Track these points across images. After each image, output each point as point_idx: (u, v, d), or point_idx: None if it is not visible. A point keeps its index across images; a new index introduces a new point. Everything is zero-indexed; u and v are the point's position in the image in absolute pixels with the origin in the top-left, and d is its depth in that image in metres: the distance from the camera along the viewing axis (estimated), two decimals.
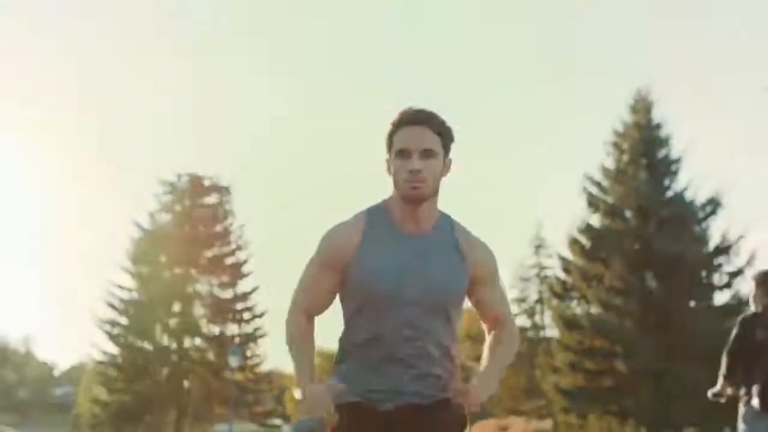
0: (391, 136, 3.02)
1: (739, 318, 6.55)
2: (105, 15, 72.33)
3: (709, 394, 6.53)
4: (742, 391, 6.27)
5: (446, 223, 3.06)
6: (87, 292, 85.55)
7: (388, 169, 3.03)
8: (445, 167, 3.04)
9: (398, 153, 2.97)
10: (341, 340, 3.09)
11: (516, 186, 67.37)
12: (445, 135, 3.01)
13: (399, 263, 2.97)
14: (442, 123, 3.02)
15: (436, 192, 3.01)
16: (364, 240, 3.00)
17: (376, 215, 3.05)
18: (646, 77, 51.15)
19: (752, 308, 6.51)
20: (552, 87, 65.49)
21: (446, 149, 3.02)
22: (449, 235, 3.03)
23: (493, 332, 3.18)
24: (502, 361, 3.11)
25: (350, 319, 3.04)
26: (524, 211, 66.20)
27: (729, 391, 6.36)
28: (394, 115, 3.05)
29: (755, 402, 6.18)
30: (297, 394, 2.98)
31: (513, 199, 67.08)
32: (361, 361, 3.02)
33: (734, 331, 6.44)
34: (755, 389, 6.19)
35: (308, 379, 3.00)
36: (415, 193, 2.94)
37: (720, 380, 6.39)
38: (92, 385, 40.63)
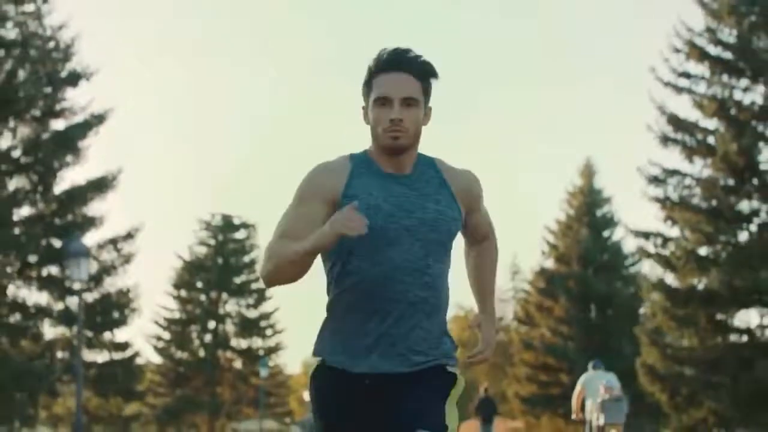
0: (368, 82, 2.97)
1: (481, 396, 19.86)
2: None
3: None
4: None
5: (427, 161, 3.05)
6: None
7: (365, 117, 2.99)
8: (426, 116, 2.99)
9: (377, 101, 2.92)
10: (328, 295, 3.02)
11: (498, 215, 77.89)
12: (426, 80, 2.98)
13: (391, 199, 2.93)
14: (425, 68, 2.98)
15: (416, 142, 2.97)
16: (351, 177, 2.96)
17: (359, 159, 3.01)
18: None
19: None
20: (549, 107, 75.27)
21: (427, 96, 2.98)
22: (433, 172, 3.02)
23: (476, 247, 3.24)
24: (493, 286, 3.27)
25: (338, 266, 2.97)
26: (504, 238, 76.21)
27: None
28: (371, 59, 2.98)
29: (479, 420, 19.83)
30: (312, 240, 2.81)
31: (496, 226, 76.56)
32: (348, 311, 2.95)
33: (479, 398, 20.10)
34: (481, 416, 19.93)
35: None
36: (396, 143, 2.91)
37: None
38: None
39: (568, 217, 41.03)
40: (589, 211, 40.29)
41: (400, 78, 2.92)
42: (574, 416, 14.98)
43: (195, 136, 79.57)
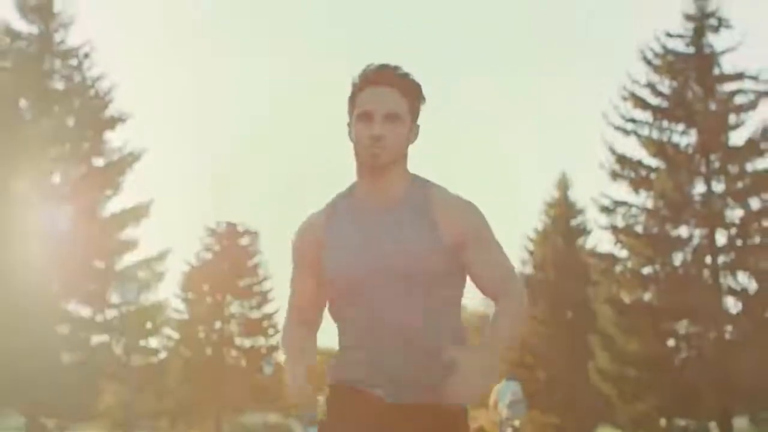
0: (353, 97, 2.94)
1: None
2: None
3: None
4: None
5: (419, 188, 2.98)
6: None
7: (350, 134, 2.95)
8: (412, 134, 2.95)
9: (360, 116, 2.90)
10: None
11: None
12: (413, 98, 2.93)
13: (358, 245, 2.93)
14: (410, 84, 2.94)
15: (399, 160, 2.93)
16: (327, 228, 2.99)
17: (342, 197, 3.02)
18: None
19: None
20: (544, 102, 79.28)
21: (414, 114, 2.94)
22: (420, 202, 2.94)
23: (495, 304, 2.98)
24: (495, 345, 2.91)
25: (334, 312, 3.08)
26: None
27: None
28: (355, 74, 2.94)
29: None
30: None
31: None
32: (343, 354, 3.02)
33: None
34: None
35: (295, 364, 2.96)
36: (374, 161, 2.88)
37: None
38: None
39: (546, 226, 46.39)
40: (564, 222, 45.69)
41: (384, 92, 2.90)
42: (490, 412, 21.11)
43: (197, 146, 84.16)
